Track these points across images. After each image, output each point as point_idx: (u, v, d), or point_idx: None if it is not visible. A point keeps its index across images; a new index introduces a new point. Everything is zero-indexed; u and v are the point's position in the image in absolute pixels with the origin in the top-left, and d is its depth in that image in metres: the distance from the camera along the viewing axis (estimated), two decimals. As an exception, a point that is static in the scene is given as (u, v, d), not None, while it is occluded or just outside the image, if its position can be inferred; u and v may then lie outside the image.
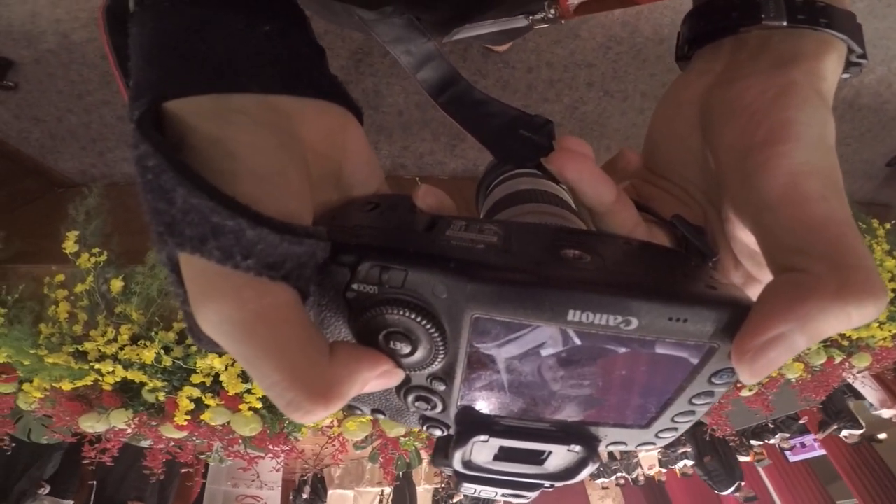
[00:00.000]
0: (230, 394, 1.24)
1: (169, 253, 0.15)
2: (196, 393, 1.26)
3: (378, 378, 0.17)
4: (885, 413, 3.72)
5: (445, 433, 0.21)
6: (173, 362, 1.23)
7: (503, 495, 0.23)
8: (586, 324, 0.15)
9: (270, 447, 1.41)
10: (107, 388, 1.28)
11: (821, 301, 0.15)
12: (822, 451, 4.48)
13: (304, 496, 3.30)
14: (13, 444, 1.53)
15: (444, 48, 1.45)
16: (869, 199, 2.36)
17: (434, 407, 0.20)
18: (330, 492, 3.39)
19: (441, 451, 0.21)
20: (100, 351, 1.21)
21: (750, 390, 1.79)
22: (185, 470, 1.57)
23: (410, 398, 0.20)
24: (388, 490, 3.32)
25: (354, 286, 0.16)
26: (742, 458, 3.83)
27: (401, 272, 0.16)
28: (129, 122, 0.16)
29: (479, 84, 1.57)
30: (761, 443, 3.82)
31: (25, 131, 1.52)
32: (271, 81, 0.19)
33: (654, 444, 0.22)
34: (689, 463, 3.87)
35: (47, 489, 2.24)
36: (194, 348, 1.24)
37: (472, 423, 0.20)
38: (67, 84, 1.41)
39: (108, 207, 1.30)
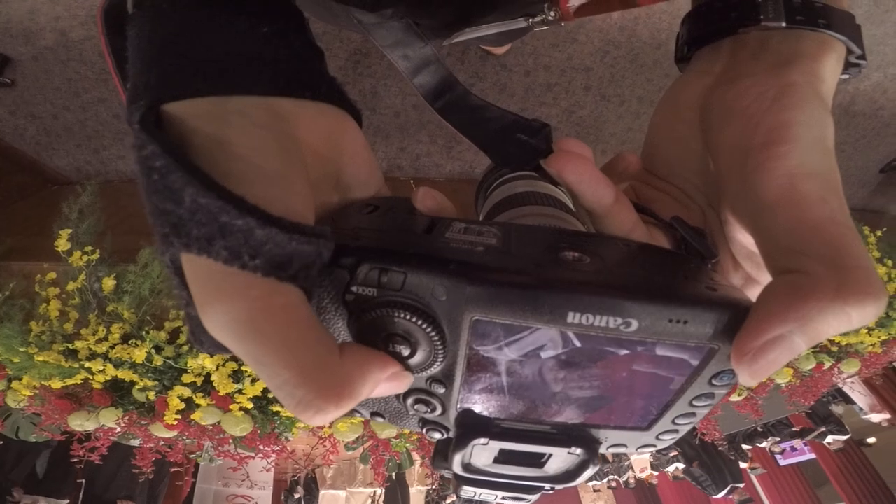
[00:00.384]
0: (221, 394, 1.24)
1: (172, 255, 0.15)
2: (187, 392, 1.25)
3: (387, 381, 0.17)
4: (875, 417, 3.77)
5: (445, 436, 0.21)
6: (164, 362, 1.22)
7: (503, 498, 0.23)
8: (586, 326, 0.15)
9: (261, 447, 1.40)
10: (97, 386, 1.26)
11: (820, 302, 0.15)
12: (812, 455, 4.52)
13: (296, 496, 3.28)
14: (1, 443, 1.51)
15: (442, 50, 1.46)
16: (862, 205, 2.38)
17: (433, 410, 0.20)
18: (322, 492, 3.37)
19: (441, 454, 0.21)
20: (90, 349, 1.20)
21: (739, 395, 1.80)
22: (175, 469, 1.55)
23: (410, 401, 0.20)
24: (379, 491, 3.30)
25: (353, 288, 0.16)
26: (741, 465, 3.85)
27: (400, 274, 0.16)
28: (127, 124, 0.16)
29: (477, 87, 1.58)
30: (751, 447, 3.84)
31: (21, 128, 1.51)
32: (270, 84, 0.19)
33: (654, 446, 0.22)
34: (681, 466, 3.89)
35: (21, 494, 2.19)
36: (185, 348, 1.23)
37: (471, 426, 0.20)
38: (64, 81, 1.41)
39: (102, 205, 1.29)
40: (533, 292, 0.15)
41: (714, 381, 0.18)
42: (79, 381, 1.26)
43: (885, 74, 1.80)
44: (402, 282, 0.16)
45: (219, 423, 1.30)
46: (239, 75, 0.18)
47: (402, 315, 0.16)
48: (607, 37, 1.54)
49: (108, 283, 1.20)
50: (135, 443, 1.45)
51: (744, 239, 0.22)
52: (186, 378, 1.24)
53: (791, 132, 0.19)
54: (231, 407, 1.27)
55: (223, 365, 1.23)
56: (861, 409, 3.81)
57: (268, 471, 1.57)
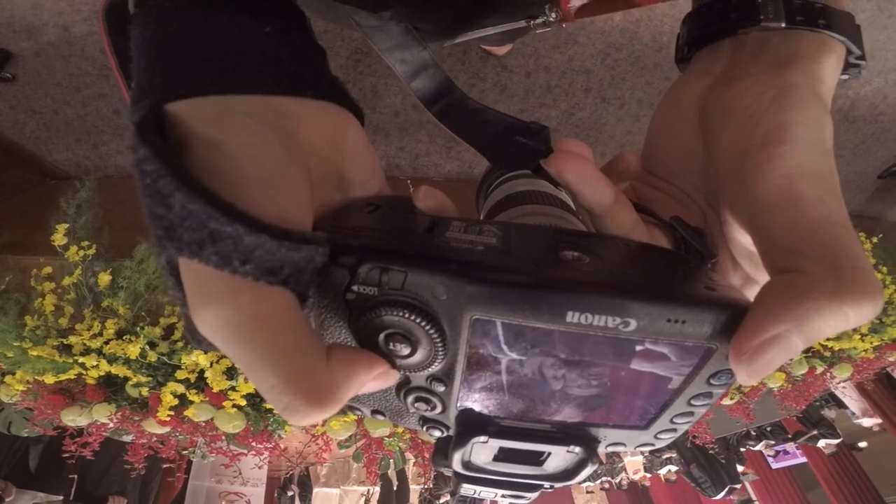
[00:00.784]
0: (214, 390, 1.23)
1: (168, 257, 0.15)
2: (180, 389, 1.24)
3: (374, 380, 0.17)
4: (866, 422, 3.79)
5: (445, 434, 0.21)
6: (158, 358, 1.21)
7: (502, 496, 0.23)
8: (585, 325, 0.15)
9: (254, 444, 1.40)
10: (90, 382, 1.26)
11: (817, 301, 0.15)
12: (804, 459, 4.55)
13: (290, 494, 3.28)
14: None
15: (443, 51, 1.46)
16: (859, 211, 2.38)
17: (434, 408, 0.20)
18: (315, 490, 3.37)
19: (441, 452, 0.21)
20: (84, 345, 1.19)
21: (731, 398, 1.81)
22: (167, 465, 1.55)
23: (410, 399, 0.20)
24: (374, 489, 3.30)
25: (354, 287, 0.16)
26: (738, 468, 3.87)
27: (400, 273, 0.16)
28: (131, 124, 0.16)
29: (477, 87, 1.58)
30: (744, 449, 3.87)
31: (21, 122, 1.51)
32: (272, 82, 0.19)
33: (653, 444, 0.22)
34: (674, 468, 3.91)
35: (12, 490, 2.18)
36: (180, 344, 1.22)
37: (471, 424, 0.20)
38: (66, 76, 1.41)
39: (100, 201, 1.28)
40: (532, 292, 0.15)
41: (712, 381, 0.18)
42: (72, 377, 1.25)
43: (886, 80, 1.80)
44: (403, 281, 0.16)
45: (212, 419, 1.30)
46: (241, 74, 0.18)
47: (403, 314, 0.16)
48: (609, 39, 1.54)
49: (104, 279, 1.19)
50: (127, 439, 1.45)
51: (743, 239, 0.22)
52: (180, 374, 1.23)
53: (789, 133, 0.19)
54: (224, 404, 1.27)
55: (217, 362, 1.23)
56: (853, 414, 3.84)
57: (260, 468, 1.56)
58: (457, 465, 0.21)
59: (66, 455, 1.36)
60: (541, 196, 0.26)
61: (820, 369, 1.84)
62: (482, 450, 0.20)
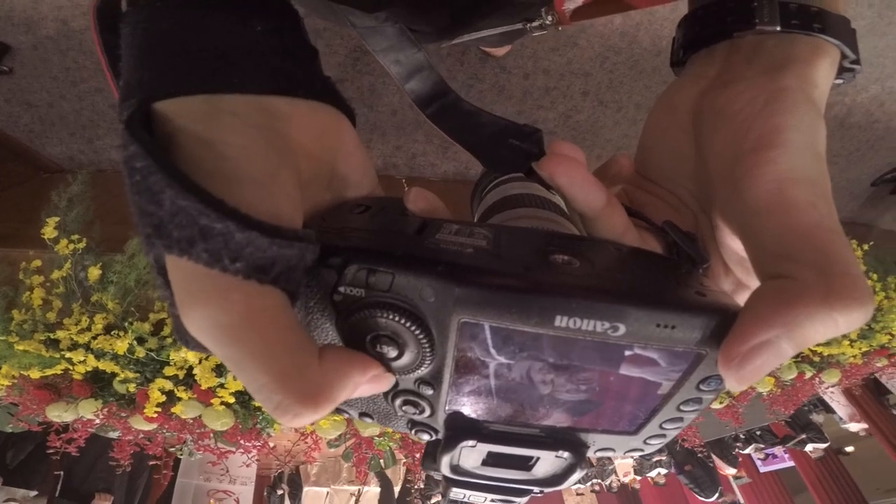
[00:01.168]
0: (203, 387, 1.22)
1: (156, 255, 0.15)
2: (168, 385, 1.23)
3: (368, 382, 0.17)
4: (853, 427, 3.84)
5: (434, 437, 0.21)
6: (146, 354, 1.20)
7: (491, 500, 0.23)
8: (574, 329, 0.15)
9: (242, 442, 1.39)
10: (77, 377, 1.24)
11: (807, 307, 0.15)
12: (791, 463, 4.59)
13: (279, 492, 3.26)
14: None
15: (442, 51, 1.46)
16: (851, 218, 2.40)
17: (422, 411, 0.20)
18: (305, 489, 3.35)
19: (430, 456, 0.21)
20: (72, 339, 1.17)
21: (721, 402, 1.82)
22: (154, 463, 1.53)
23: (398, 402, 0.20)
24: (365, 489, 3.29)
25: (341, 289, 0.16)
26: (728, 471, 3.90)
27: (388, 275, 0.16)
28: (119, 122, 0.16)
29: (475, 88, 1.58)
30: (734, 452, 3.90)
31: (15, 115, 1.50)
32: (263, 82, 0.19)
33: (642, 450, 0.22)
34: (664, 471, 3.93)
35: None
36: (169, 340, 1.21)
37: (460, 428, 0.20)
38: (62, 70, 1.40)
39: (93, 195, 1.27)
40: (521, 295, 0.15)
41: (702, 387, 0.18)
42: (59, 372, 1.23)
43: (883, 87, 1.81)
44: (390, 283, 0.16)
45: (200, 417, 1.29)
46: (231, 73, 0.18)
47: (390, 316, 0.16)
48: (608, 42, 1.54)
49: (94, 273, 1.18)
50: (113, 435, 1.43)
51: (734, 244, 0.22)
52: (168, 371, 1.22)
53: (781, 137, 0.19)
54: (212, 401, 1.26)
55: (206, 359, 1.22)
56: (840, 419, 3.88)
57: (249, 466, 1.55)
58: (445, 469, 0.21)
59: (52, 451, 1.34)
60: (534, 199, 0.26)
61: (809, 374, 1.85)
62: (471, 454, 0.20)
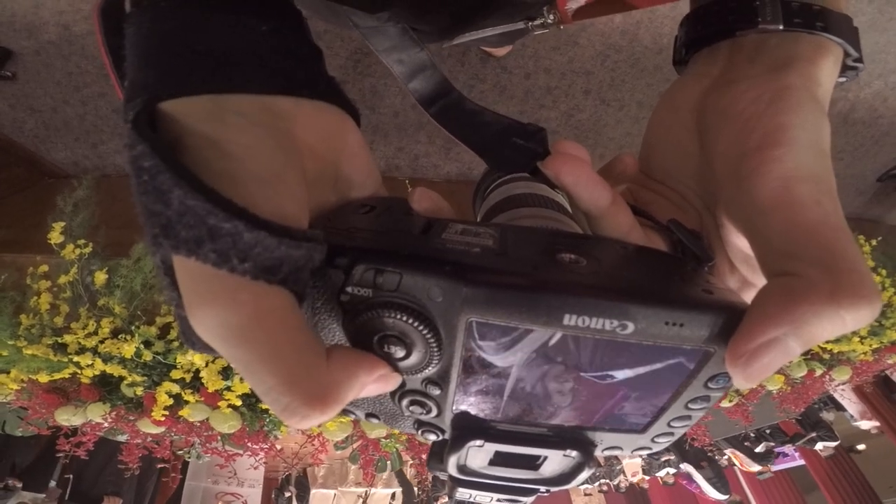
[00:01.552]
0: (210, 390, 1.23)
1: (163, 255, 0.15)
2: (175, 389, 1.24)
3: (375, 382, 0.17)
4: (864, 424, 3.80)
5: (440, 438, 0.21)
6: (153, 357, 1.21)
7: (498, 500, 0.23)
8: (582, 328, 0.15)
9: (249, 445, 1.40)
10: (85, 381, 1.25)
11: (814, 305, 0.15)
12: (802, 462, 4.56)
13: (287, 495, 3.27)
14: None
15: (443, 52, 1.46)
16: (858, 214, 2.39)
17: (429, 411, 0.20)
18: (313, 491, 3.36)
19: (436, 456, 0.21)
20: (80, 344, 1.18)
21: (730, 401, 1.81)
22: (162, 465, 1.54)
23: (405, 402, 0.20)
24: (372, 491, 3.30)
25: (349, 289, 0.16)
26: (753, 468, 3.89)
27: (395, 275, 0.16)
28: (124, 122, 0.16)
29: (477, 89, 1.58)
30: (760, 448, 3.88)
31: (20, 121, 1.51)
32: (268, 82, 0.19)
33: (650, 448, 0.22)
34: (672, 471, 3.91)
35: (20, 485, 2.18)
36: (176, 343, 1.22)
37: (467, 428, 0.20)
38: (65, 75, 1.41)
39: (98, 199, 1.28)
40: (529, 294, 0.15)
41: (710, 384, 0.18)
42: (67, 376, 1.24)
43: (885, 83, 1.81)
44: (398, 283, 0.16)
45: (207, 419, 1.29)
46: (236, 73, 0.18)
47: (398, 316, 0.16)
48: (609, 41, 1.54)
49: (100, 277, 1.19)
50: (122, 438, 1.44)
51: (740, 242, 0.22)
52: (175, 374, 1.23)
53: (786, 135, 0.19)
54: (220, 404, 1.27)
55: (213, 361, 1.22)
56: (851, 417, 3.85)
57: (256, 468, 1.56)
58: (452, 469, 0.21)
59: (60, 455, 1.35)
60: (538, 199, 0.26)
61: (819, 372, 1.84)
62: (478, 454, 0.20)
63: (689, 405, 0.19)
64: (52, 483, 2.29)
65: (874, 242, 1.84)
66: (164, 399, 1.24)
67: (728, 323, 0.16)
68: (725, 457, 3.86)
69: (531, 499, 0.23)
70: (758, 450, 3.77)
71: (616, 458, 3.89)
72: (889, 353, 1.93)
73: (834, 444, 3.74)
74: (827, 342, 1.72)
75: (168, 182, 0.14)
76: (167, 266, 0.15)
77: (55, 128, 1.54)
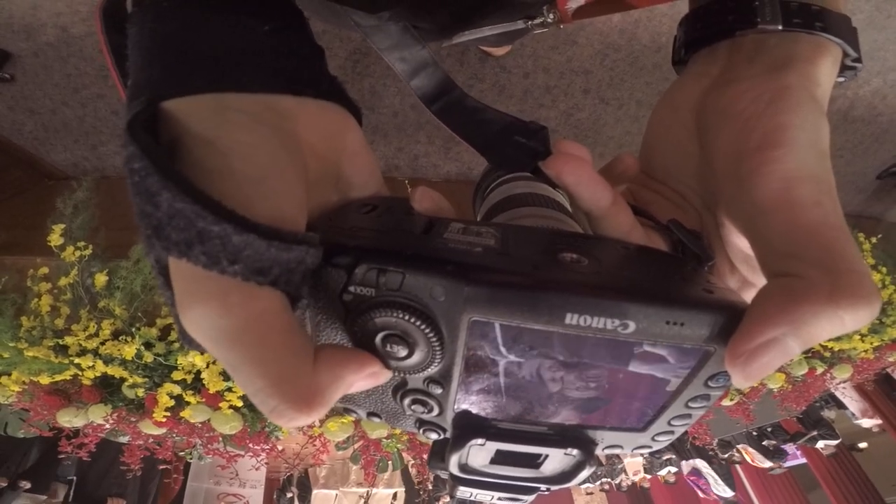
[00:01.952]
0: (211, 391, 1.23)
1: (157, 255, 0.15)
2: (177, 390, 1.24)
3: (364, 379, 0.17)
4: (866, 423, 3.80)
5: (442, 436, 0.21)
6: (154, 358, 1.21)
7: (499, 499, 0.23)
8: (583, 327, 0.15)
9: (251, 445, 1.40)
10: (86, 382, 1.25)
11: (813, 305, 0.15)
12: (804, 460, 4.55)
13: (289, 495, 3.27)
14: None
15: (442, 51, 1.46)
16: (858, 211, 2.39)
17: (431, 410, 0.20)
18: (314, 491, 3.36)
19: (437, 455, 0.21)
20: (81, 345, 1.18)
21: (731, 399, 1.81)
22: (164, 467, 1.54)
23: (407, 401, 0.20)
24: (374, 491, 3.30)
25: (351, 288, 0.16)
26: (765, 464, 3.90)
27: (398, 275, 0.16)
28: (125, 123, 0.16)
29: (476, 88, 1.58)
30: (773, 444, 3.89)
31: (19, 123, 1.51)
32: (270, 81, 0.19)
33: (650, 447, 0.22)
34: (674, 470, 3.91)
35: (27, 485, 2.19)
36: (176, 345, 1.22)
37: (468, 427, 0.20)
38: (64, 77, 1.41)
39: (97, 201, 1.28)
40: (531, 293, 0.15)
41: (710, 383, 0.18)
42: (68, 377, 1.25)
43: (884, 80, 1.80)
44: (401, 282, 0.16)
45: (208, 421, 1.29)
46: (239, 72, 0.18)
47: (400, 315, 0.16)
48: (607, 40, 1.54)
49: (101, 279, 1.19)
50: (123, 440, 1.44)
51: (740, 242, 0.22)
52: (176, 375, 1.23)
53: (786, 136, 0.19)
54: (221, 405, 1.27)
55: (214, 362, 1.22)
56: (853, 415, 3.84)
57: (258, 469, 1.56)
58: (454, 467, 0.21)
59: (61, 456, 1.35)
60: (538, 198, 0.26)
61: (820, 370, 1.84)
62: (479, 452, 0.20)
63: (690, 404, 0.19)
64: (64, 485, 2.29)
65: (874, 240, 1.84)
66: (165, 400, 1.24)
67: (728, 323, 0.16)
68: (728, 454, 3.86)
69: (532, 497, 0.23)
70: (771, 445, 3.79)
71: (617, 457, 3.90)
72: (890, 350, 1.93)
73: (835, 442, 3.74)
74: (828, 340, 1.72)
75: (157, 185, 0.14)
76: (162, 265, 0.16)
77: (54, 129, 1.54)
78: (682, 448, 3.65)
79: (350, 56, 1.45)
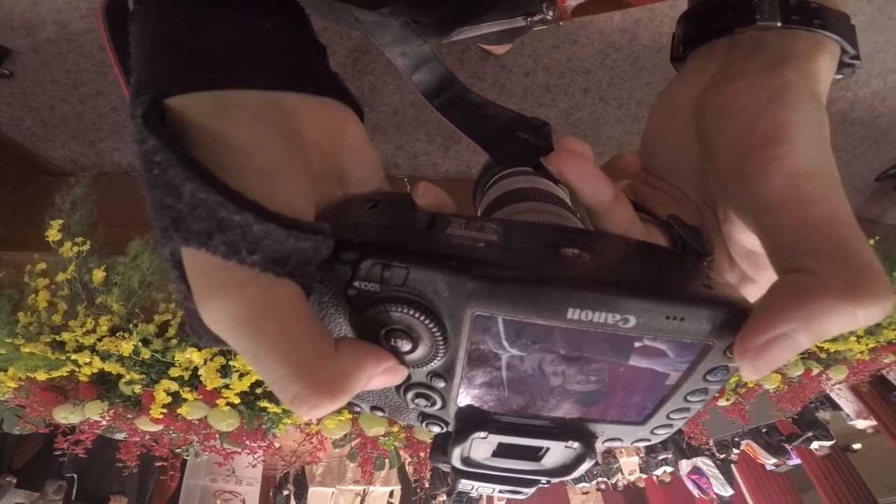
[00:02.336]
0: (208, 388, 1.23)
1: (172, 248, 0.15)
2: (174, 387, 1.24)
3: (382, 374, 0.17)
4: (860, 424, 3.82)
5: (444, 430, 0.22)
6: (152, 355, 1.21)
7: (500, 491, 0.23)
8: (585, 322, 0.15)
9: (247, 443, 1.40)
10: (83, 379, 1.25)
11: (826, 301, 0.15)
12: (798, 461, 4.58)
13: (285, 493, 3.27)
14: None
15: (442, 50, 1.46)
16: (856, 213, 2.35)
17: (433, 404, 0.20)
18: (311, 489, 3.36)
19: (439, 448, 0.21)
20: (78, 341, 1.18)
21: (727, 400, 1.82)
22: (160, 464, 1.54)
23: (410, 395, 0.20)
24: (371, 489, 3.30)
25: (356, 284, 0.16)
26: (769, 461, 3.92)
27: (402, 270, 0.16)
28: (130, 119, 0.16)
29: (476, 87, 1.57)
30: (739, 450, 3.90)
31: (17, 119, 1.51)
32: (273, 77, 0.19)
33: (649, 440, 0.22)
34: (669, 469, 3.93)
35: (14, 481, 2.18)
36: (174, 341, 1.22)
37: (471, 420, 0.20)
38: (63, 73, 1.41)
39: (95, 197, 1.28)
40: (534, 288, 0.15)
41: (708, 377, 0.18)
42: (65, 374, 1.24)
43: (884, 82, 1.81)
44: (405, 277, 0.16)
45: (205, 417, 1.29)
46: (241, 69, 0.18)
47: (405, 310, 0.16)
48: (608, 39, 1.54)
49: (98, 275, 1.19)
50: (119, 436, 1.44)
51: (740, 237, 0.22)
52: (174, 372, 1.23)
53: (788, 132, 0.19)
54: (218, 402, 1.27)
55: (211, 359, 1.22)
56: (847, 416, 3.86)
57: (254, 467, 1.56)
58: (456, 460, 0.21)
59: (58, 453, 1.35)
60: (539, 193, 0.26)
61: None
62: (481, 445, 0.20)
63: (688, 397, 0.19)
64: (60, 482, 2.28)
65: (872, 242, 1.84)
66: (162, 397, 1.24)
67: (728, 317, 0.16)
68: (724, 455, 3.87)
69: (532, 490, 0.23)
70: (776, 442, 3.80)
71: (613, 456, 3.91)
72: (885, 352, 1.94)
73: (829, 443, 3.76)
74: (824, 341, 1.72)
75: (180, 176, 0.14)
76: (176, 259, 0.16)
77: (53, 125, 1.54)
78: (681, 447, 3.67)
79: (350, 54, 1.45)
